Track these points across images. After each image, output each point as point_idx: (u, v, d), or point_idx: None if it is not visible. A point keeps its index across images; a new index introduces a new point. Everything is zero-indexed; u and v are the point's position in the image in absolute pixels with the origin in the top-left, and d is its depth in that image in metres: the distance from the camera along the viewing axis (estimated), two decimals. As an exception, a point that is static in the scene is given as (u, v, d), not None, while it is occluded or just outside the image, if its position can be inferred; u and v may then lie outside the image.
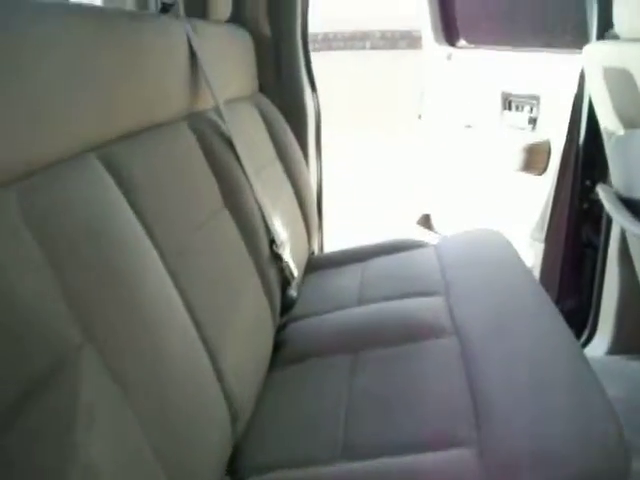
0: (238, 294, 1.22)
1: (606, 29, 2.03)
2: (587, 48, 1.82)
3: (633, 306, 2.04)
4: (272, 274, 1.41)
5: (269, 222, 1.45)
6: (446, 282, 1.59)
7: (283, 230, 1.60)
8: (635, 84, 1.49)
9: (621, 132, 1.71)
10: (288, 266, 1.50)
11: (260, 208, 1.43)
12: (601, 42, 1.84)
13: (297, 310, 1.56)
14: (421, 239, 1.99)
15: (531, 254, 2.33)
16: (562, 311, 2.25)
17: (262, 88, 2.01)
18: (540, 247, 2.30)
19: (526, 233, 2.34)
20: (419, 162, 2.98)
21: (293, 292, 1.52)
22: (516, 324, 1.34)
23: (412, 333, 1.34)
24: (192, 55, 1.34)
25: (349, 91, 9.29)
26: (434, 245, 1.89)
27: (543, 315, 1.38)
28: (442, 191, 2.83)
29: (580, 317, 2.30)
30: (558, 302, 2.32)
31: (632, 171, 1.73)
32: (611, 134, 1.76)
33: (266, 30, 2.05)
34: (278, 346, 1.41)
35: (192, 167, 1.24)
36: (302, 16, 2.11)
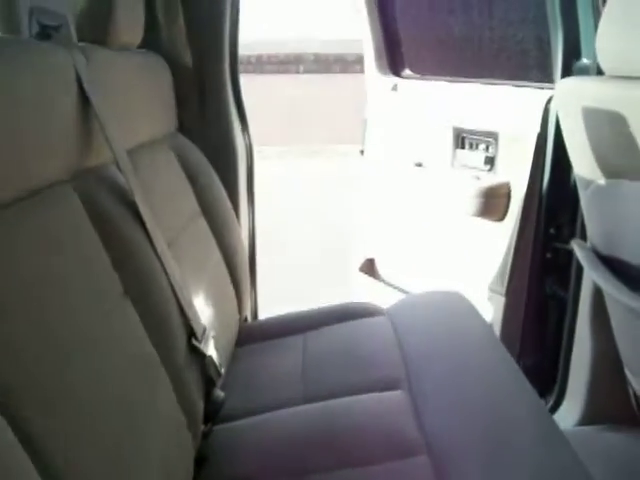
0: (144, 417, 0.91)
1: (572, 61, 1.83)
2: (561, 84, 1.59)
3: (609, 369, 1.81)
4: (191, 378, 1.10)
5: (187, 308, 1.13)
6: (406, 365, 1.33)
7: (207, 307, 1.31)
8: (623, 127, 1.26)
9: (601, 181, 1.48)
10: (213, 362, 1.19)
11: (175, 292, 1.12)
12: (579, 78, 1.61)
13: (225, 407, 1.26)
14: (371, 303, 1.71)
15: (490, 308, 2.10)
16: (524, 370, 2.03)
17: (182, 127, 1.68)
18: (500, 300, 2.06)
19: (484, 285, 2.10)
20: (362, 201, 2.72)
21: (220, 393, 1.21)
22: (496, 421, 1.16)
23: (373, 450, 1.06)
24: (82, 94, 1.03)
25: (287, 117, 9.08)
26: (387, 311, 1.62)
27: (516, 392, 1.26)
28: (388, 235, 2.58)
29: (543, 377, 2.08)
30: (519, 360, 2.10)
31: (612, 226, 1.50)
32: (588, 183, 1.53)
33: (187, 57, 1.74)
34: (201, 464, 1.10)
35: (78, 246, 0.92)
36: (230, 40, 1.80)
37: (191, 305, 1.16)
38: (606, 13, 1.35)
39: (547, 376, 2.04)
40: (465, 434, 1.11)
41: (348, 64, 10.04)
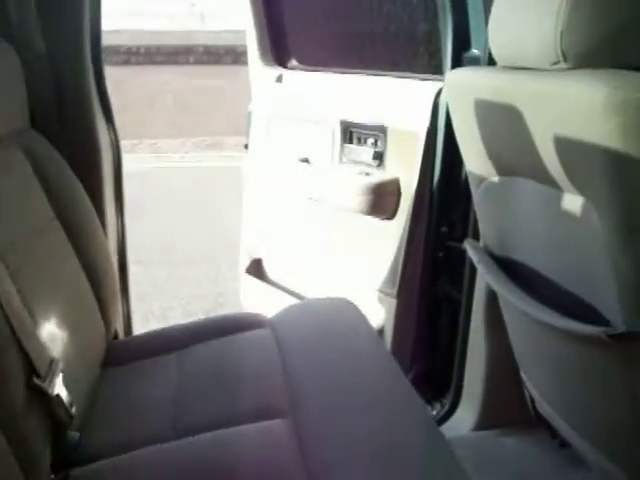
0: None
1: (462, 52, 1.75)
2: (450, 74, 1.50)
3: (504, 372, 1.75)
4: (31, 424, 0.92)
5: (26, 341, 0.94)
6: (288, 387, 1.20)
7: (62, 330, 1.13)
8: (515, 120, 1.17)
9: (493, 178, 1.40)
10: (61, 402, 1.01)
11: (10, 322, 0.93)
12: (469, 68, 1.52)
13: (86, 446, 1.09)
14: (253, 314, 1.57)
15: (382, 310, 2.00)
16: (416, 377, 1.94)
17: (35, 123, 1.48)
18: (392, 303, 1.97)
19: (375, 286, 2.00)
20: (248, 198, 2.57)
21: (73, 435, 1.04)
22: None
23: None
24: None
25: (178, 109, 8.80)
26: (270, 323, 1.49)
27: (404, 410, 1.19)
28: (275, 234, 2.44)
29: (438, 381, 2.01)
30: (413, 364, 2.02)
31: (505, 226, 1.42)
32: (480, 180, 1.44)
33: (40, 45, 1.53)
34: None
35: None
36: (92, 27, 1.60)
37: (32, 335, 0.98)
38: (496, 1, 1.27)
39: (442, 380, 1.97)
40: (350, 464, 1.01)
41: (239, 55, 9.85)
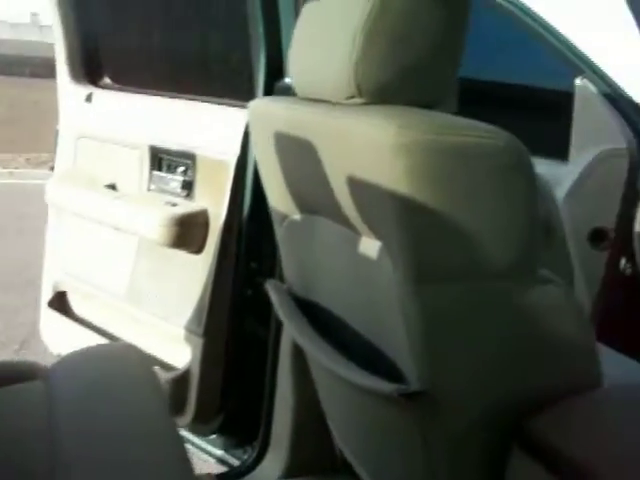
0: None
1: (276, 80, 1.67)
2: (254, 104, 1.40)
3: (312, 417, 1.66)
4: None
5: None
6: (52, 461, 1.03)
7: None
8: (313, 156, 1.09)
9: (296, 216, 1.32)
10: None
11: None
12: (269, 98, 1.44)
13: None
14: (27, 362, 1.38)
15: (187, 351, 1.86)
16: (225, 420, 1.82)
17: None
18: (198, 342, 1.84)
19: (181, 324, 1.86)
20: (52, 225, 2.35)
21: None
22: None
23: None
24: None
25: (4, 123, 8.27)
26: (46, 373, 1.30)
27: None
28: (80, 265, 2.24)
29: (247, 425, 1.89)
30: (221, 409, 1.90)
31: (308, 267, 1.34)
32: (282, 217, 1.35)
33: None
34: None
35: None
36: None
37: None
38: (296, 31, 1.19)
39: (252, 424, 1.86)
40: None
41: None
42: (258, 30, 1.68)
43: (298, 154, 1.15)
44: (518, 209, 0.91)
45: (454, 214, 0.87)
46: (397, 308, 0.94)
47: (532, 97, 2.54)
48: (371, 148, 0.88)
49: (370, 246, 1.02)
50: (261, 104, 1.36)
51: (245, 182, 1.72)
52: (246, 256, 1.77)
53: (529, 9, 2.26)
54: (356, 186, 0.97)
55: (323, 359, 1.16)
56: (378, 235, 0.99)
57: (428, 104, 0.97)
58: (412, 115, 0.89)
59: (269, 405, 1.77)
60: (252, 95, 1.76)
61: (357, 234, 1.08)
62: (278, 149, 1.23)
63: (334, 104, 1.02)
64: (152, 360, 1.41)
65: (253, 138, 1.38)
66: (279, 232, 1.40)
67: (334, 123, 0.99)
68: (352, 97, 0.97)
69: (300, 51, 1.15)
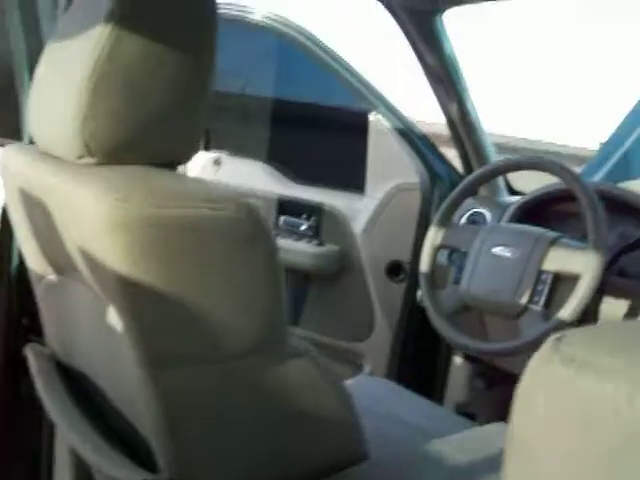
0: None
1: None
2: (5, 151, 1.26)
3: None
4: None
5: None
6: None
7: None
8: (51, 217, 0.97)
9: (51, 277, 1.19)
10: None
11: None
12: (25, 148, 1.30)
13: None
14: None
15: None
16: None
17: None
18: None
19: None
20: None
21: None
22: None
23: None
24: None
25: None
26: None
27: None
28: None
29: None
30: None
31: (67, 331, 1.22)
32: (39, 277, 1.22)
33: None
34: None
35: None
36: None
37: None
38: (37, 73, 1.06)
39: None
40: None
41: None
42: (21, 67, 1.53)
43: (41, 213, 1.03)
44: (260, 283, 0.84)
45: (187, 294, 0.78)
46: (139, 388, 0.85)
47: (330, 130, 2.55)
48: (91, 219, 0.78)
49: (114, 317, 0.92)
50: (12, 152, 1.21)
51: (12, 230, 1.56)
52: (18, 312, 1.60)
53: (326, 46, 2.27)
54: (88, 256, 0.86)
55: (75, 442, 1.03)
56: (115, 305, 0.89)
57: (170, 162, 0.89)
58: (136, 184, 0.80)
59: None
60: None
61: (101, 300, 0.97)
62: (25, 205, 1.10)
63: (67, 163, 0.91)
64: None
65: (5, 187, 1.23)
66: (37, 292, 1.26)
67: (63, 187, 0.88)
68: (82, 157, 0.87)
69: (36, 98, 1.02)
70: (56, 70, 0.96)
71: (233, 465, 0.87)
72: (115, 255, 0.75)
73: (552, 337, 0.39)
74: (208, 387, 0.83)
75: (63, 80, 0.91)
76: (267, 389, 0.87)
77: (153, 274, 0.75)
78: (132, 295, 0.77)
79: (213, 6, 0.94)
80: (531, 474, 0.42)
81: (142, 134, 0.87)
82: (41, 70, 1.03)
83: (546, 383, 0.39)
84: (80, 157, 0.87)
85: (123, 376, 0.92)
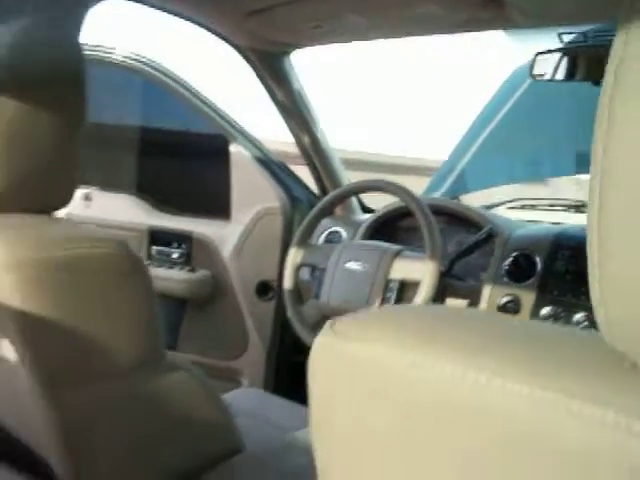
0: None
1: None
2: None
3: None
4: None
5: None
6: None
7: None
8: None
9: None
10: None
11: None
12: None
13: None
14: None
15: None
16: None
17: None
18: None
19: None
20: None
21: None
22: None
23: None
24: None
25: None
26: None
27: None
28: None
29: None
30: None
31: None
32: None
33: None
34: None
35: None
36: None
37: None
38: None
39: None
40: None
41: None
42: None
43: None
44: (137, 309, 0.98)
45: (73, 323, 0.91)
46: (35, 409, 0.96)
47: (194, 161, 2.69)
48: None
49: (5, 347, 1.03)
50: None
51: None
52: None
53: (187, 83, 2.40)
54: None
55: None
56: (8, 338, 1.00)
57: (50, 208, 1.01)
58: (24, 230, 0.92)
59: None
60: None
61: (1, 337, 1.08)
62: None
63: None
64: None
65: None
66: None
67: None
68: None
69: None
70: None
71: (125, 467, 1.00)
72: (6, 292, 0.87)
73: (328, 322, 0.56)
74: (99, 401, 0.95)
75: None
76: (150, 399, 1.00)
77: (41, 308, 0.87)
78: (24, 327, 0.89)
79: (80, 57, 1.06)
80: (332, 437, 0.56)
81: (22, 185, 0.98)
82: None
83: (326, 357, 0.54)
84: None
85: (21, 401, 1.03)
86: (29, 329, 0.89)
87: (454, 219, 2.02)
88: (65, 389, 0.93)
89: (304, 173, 2.46)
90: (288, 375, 2.45)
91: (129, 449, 1.00)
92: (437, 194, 2.94)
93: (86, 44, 1.14)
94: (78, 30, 1.61)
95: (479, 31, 1.51)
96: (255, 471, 1.13)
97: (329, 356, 0.54)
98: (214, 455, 1.09)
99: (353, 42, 1.93)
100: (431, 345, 0.49)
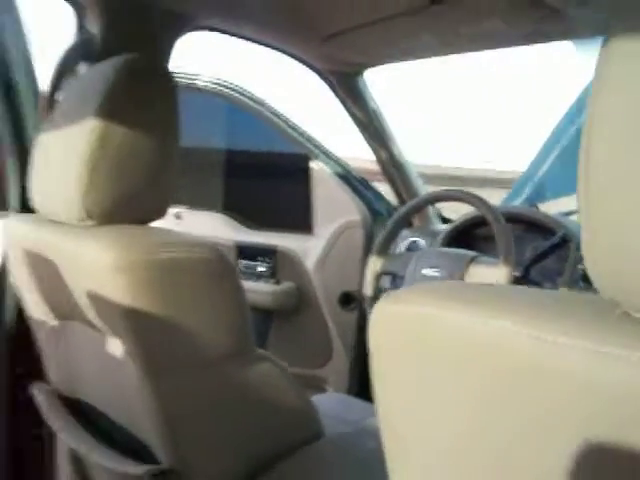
0: None
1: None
2: (6, 222, 1.50)
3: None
4: None
5: None
6: None
7: None
8: (56, 273, 1.21)
9: (53, 322, 1.42)
10: None
11: None
12: (22, 217, 1.54)
13: None
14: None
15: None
16: None
17: None
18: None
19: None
20: None
21: None
22: None
23: None
24: None
25: None
26: None
27: None
28: None
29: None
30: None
31: (69, 366, 1.44)
32: (40, 323, 1.45)
33: None
34: None
35: None
36: None
37: None
38: (35, 154, 1.31)
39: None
40: None
41: None
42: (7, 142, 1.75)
43: (45, 270, 1.27)
44: (230, 306, 1.09)
45: (175, 317, 1.03)
46: (141, 397, 1.09)
47: (277, 179, 2.82)
48: (100, 267, 1.02)
49: (114, 345, 1.16)
50: (11, 222, 1.45)
51: (5, 288, 1.77)
52: (11, 362, 1.80)
53: (269, 105, 2.53)
54: (93, 298, 1.10)
55: (83, 449, 1.26)
56: (118, 336, 1.13)
57: (148, 220, 1.15)
58: (132, 237, 1.05)
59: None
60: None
61: (103, 335, 1.21)
62: (29, 264, 1.34)
63: (70, 225, 1.16)
64: None
65: (7, 252, 1.46)
66: (39, 337, 1.48)
67: (69, 244, 1.12)
68: (83, 220, 1.12)
69: (37, 174, 1.27)
70: (54, 153, 1.21)
71: (219, 450, 1.12)
72: (118, 293, 0.99)
73: (386, 293, 0.65)
74: (195, 387, 1.07)
75: (62, 162, 1.16)
76: (240, 386, 1.12)
77: (149, 306, 1.00)
78: (135, 324, 1.01)
79: (172, 83, 1.20)
80: (393, 386, 0.64)
81: (127, 200, 1.12)
82: (39, 156, 1.28)
83: (385, 316, 0.63)
84: (81, 220, 1.11)
85: (125, 391, 1.16)
86: (139, 326, 1.02)
87: (531, 226, 2.07)
88: (166, 379, 1.05)
89: (385, 188, 2.55)
90: (371, 381, 2.53)
91: (221, 433, 1.11)
92: (516, 202, 2.98)
93: (174, 71, 1.28)
94: (168, 58, 1.77)
95: (542, 43, 1.57)
96: (333, 455, 1.22)
97: (388, 316, 0.63)
98: (296, 440, 1.19)
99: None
100: (487, 305, 0.56)
